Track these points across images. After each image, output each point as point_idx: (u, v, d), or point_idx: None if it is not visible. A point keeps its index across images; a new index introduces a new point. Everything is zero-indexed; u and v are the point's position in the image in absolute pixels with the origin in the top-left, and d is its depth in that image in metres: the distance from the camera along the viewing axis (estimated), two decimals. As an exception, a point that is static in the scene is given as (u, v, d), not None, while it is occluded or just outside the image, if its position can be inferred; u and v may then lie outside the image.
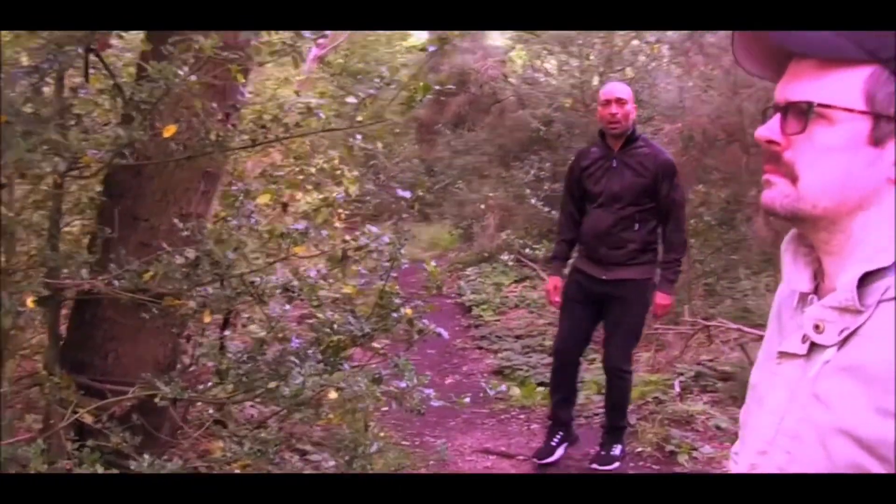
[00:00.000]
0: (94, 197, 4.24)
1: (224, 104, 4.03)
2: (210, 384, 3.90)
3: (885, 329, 1.04)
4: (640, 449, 5.36)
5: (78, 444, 3.52)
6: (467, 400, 3.59)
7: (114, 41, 4.09)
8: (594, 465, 5.10)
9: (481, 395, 5.86)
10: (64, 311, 4.33)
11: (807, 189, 1.14)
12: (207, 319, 3.64)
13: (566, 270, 5.48)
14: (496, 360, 8.06)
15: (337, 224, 7.34)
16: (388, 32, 22.11)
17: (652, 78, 11.05)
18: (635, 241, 4.94)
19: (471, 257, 12.14)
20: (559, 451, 5.27)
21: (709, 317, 7.62)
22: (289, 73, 9.36)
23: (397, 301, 3.77)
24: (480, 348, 8.67)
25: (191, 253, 3.46)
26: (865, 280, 1.09)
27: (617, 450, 5.14)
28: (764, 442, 1.19)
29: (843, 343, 1.09)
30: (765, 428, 1.20)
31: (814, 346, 1.14)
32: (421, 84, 3.61)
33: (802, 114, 1.13)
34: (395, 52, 22.14)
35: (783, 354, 1.20)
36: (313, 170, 8.01)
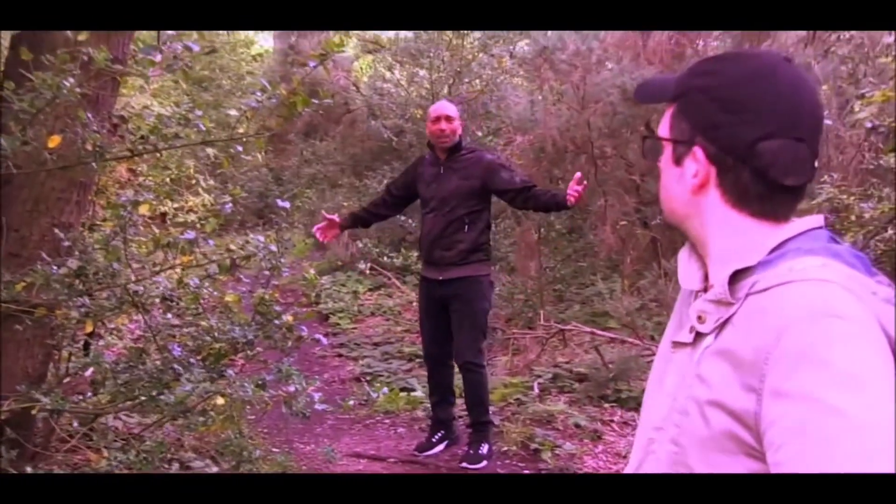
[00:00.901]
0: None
1: (99, 114, 4.01)
2: (89, 395, 3.87)
3: (750, 317, 1.25)
4: (505, 448, 5.56)
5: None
6: (351, 402, 3.70)
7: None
8: (463, 464, 5.30)
9: (362, 400, 6.07)
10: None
11: (661, 202, 1.45)
12: (89, 329, 3.63)
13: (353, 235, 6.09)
14: (357, 366, 8.16)
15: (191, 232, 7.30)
16: (232, 40, 21.83)
17: (500, 90, 11.39)
18: (465, 242, 5.28)
19: (325, 266, 12.19)
20: (439, 448, 5.58)
21: (560, 321, 7.94)
22: (142, 81, 9.20)
23: (277, 309, 3.86)
24: (340, 356, 8.74)
25: (73, 263, 3.44)
26: (737, 277, 1.30)
27: (484, 448, 5.37)
28: (660, 419, 1.39)
29: (719, 331, 1.30)
30: (661, 407, 1.40)
31: (698, 336, 1.35)
32: (300, 97, 3.69)
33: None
34: (240, 59, 21.88)
35: (676, 344, 1.41)
36: (168, 179, 7.96)
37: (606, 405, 6.22)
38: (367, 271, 11.25)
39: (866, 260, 1.31)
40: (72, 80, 3.15)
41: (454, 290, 5.29)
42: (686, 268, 1.45)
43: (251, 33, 21.83)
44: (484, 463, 5.30)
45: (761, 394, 1.16)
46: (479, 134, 11.28)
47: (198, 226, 7.15)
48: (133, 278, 3.52)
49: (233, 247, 3.61)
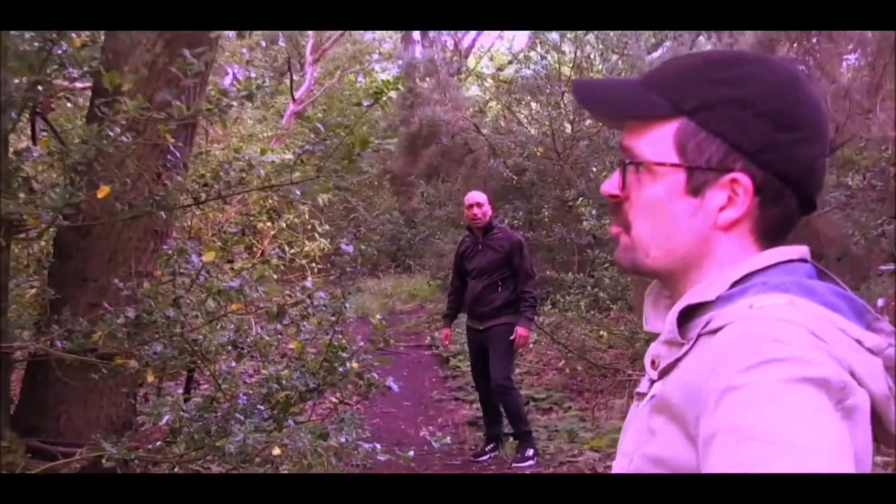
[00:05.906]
0: (41, 258, 4.23)
1: (172, 162, 4.05)
2: (159, 443, 3.86)
3: (697, 360, 1.02)
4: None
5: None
6: (411, 454, 3.56)
7: (68, 105, 4.09)
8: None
9: (425, 447, 5.91)
10: (20, 374, 4.32)
11: (638, 238, 1.15)
12: (151, 378, 3.62)
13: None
14: (471, 410, 8.03)
15: (310, 278, 7.35)
16: (364, 87, 22.29)
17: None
18: (498, 300, 6.68)
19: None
20: (486, 456, 6.77)
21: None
22: (263, 128, 9.42)
23: (344, 355, 3.77)
24: (457, 399, 8.62)
25: (131, 312, 3.44)
26: (692, 314, 1.07)
27: (529, 451, 6.53)
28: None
29: (666, 375, 1.07)
30: (618, 469, 1.17)
31: (653, 383, 1.11)
32: (358, 139, 3.62)
33: (633, 169, 1.14)
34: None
35: (637, 395, 1.18)
36: (284, 224, 8.05)
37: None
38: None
39: (858, 302, 1.07)
40: (117, 129, 3.16)
41: (491, 334, 6.66)
42: (653, 309, 1.24)
43: (379, 79, 22.24)
44: (530, 462, 6.46)
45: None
46: (595, 169, 11.04)
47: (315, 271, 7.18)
48: (188, 327, 3.49)
49: (288, 293, 3.54)
